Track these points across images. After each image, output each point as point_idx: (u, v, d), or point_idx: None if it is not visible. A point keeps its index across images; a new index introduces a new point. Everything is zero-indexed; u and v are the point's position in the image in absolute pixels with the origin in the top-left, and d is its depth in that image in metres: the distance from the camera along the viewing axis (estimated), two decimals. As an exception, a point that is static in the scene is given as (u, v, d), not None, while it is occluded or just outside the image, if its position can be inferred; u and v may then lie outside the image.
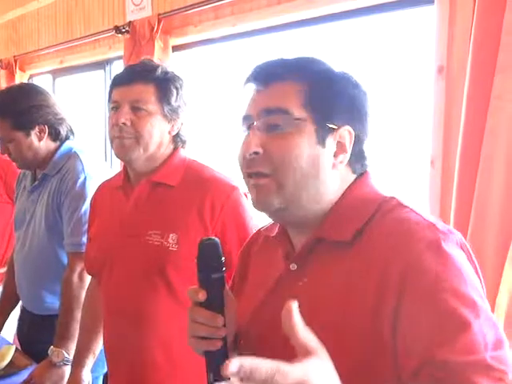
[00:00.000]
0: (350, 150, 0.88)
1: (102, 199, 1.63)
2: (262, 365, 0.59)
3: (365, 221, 0.84)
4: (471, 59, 1.58)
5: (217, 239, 0.84)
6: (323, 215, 0.88)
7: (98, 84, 3.72)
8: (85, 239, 1.73)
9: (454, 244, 0.78)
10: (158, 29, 2.83)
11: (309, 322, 0.66)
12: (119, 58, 3.32)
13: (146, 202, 1.48)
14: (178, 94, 1.48)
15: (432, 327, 0.72)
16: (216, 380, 0.79)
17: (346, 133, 0.87)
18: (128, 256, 1.46)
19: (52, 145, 1.97)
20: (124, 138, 1.42)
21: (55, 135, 1.98)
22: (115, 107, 1.45)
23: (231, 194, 1.42)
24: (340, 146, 0.87)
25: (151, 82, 1.45)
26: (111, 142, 1.47)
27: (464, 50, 1.65)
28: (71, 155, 1.96)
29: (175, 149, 1.52)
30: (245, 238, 1.13)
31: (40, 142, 1.94)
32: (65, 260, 1.90)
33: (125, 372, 1.48)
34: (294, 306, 0.65)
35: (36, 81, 4.41)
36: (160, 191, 1.47)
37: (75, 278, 1.82)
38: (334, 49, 2.38)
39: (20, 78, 4.30)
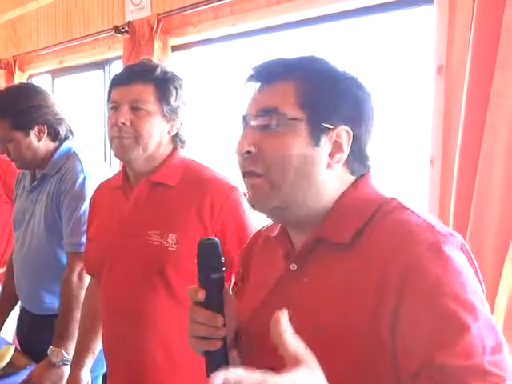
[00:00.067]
0: (347, 150, 0.87)
1: (102, 199, 1.63)
2: (248, 377, 0.58)
3: (365, 221, 0.84)
4: (471, 56, 1.58)
5: (216, 239, 0.84)
6: (324, 215, 0.88)
7: (98, 84, 3.72)
8: (84, 239, 1.73)
9: (454, 246, 0.78)
10: (157, 29, 2.83)
11: (308, 321, 0.66)
12: (118, 57, 3.32)
13: (145, 202, 1.48)
14: (177, 94, 1.48)
15: (432, 329, 0.72)
16: None
17: (344, 132, 0.86)
18: (127, 256, 1.46)
19: (51, 145, 1.97)
20: (123, 138, 1.42)
21: (54, 135, 1.97)
22: (114, 107, 1.44)
23: (230, 194, 1.42)
24: (336, 146, 0.86)
25: (150, 81, 1.45)
26: (110, 142, 1.47)
27: (463, 50, 1.65)
28: (70, 155, 1.95)
29: (174, 149, 1.52)
30: (244, 238, 1.13)
31: (39, 142, 1.94)
32: (64, 260, 1.89)
33: (124, 372, 1.48)
34: (283, 315, 0.65)
35: (35, 81, 4.41)
36: (159, 191, 1.47)
37: (74, 277, 1.82)
38: (333, 49, 2.38)
39: (19, 78, 4.29)
